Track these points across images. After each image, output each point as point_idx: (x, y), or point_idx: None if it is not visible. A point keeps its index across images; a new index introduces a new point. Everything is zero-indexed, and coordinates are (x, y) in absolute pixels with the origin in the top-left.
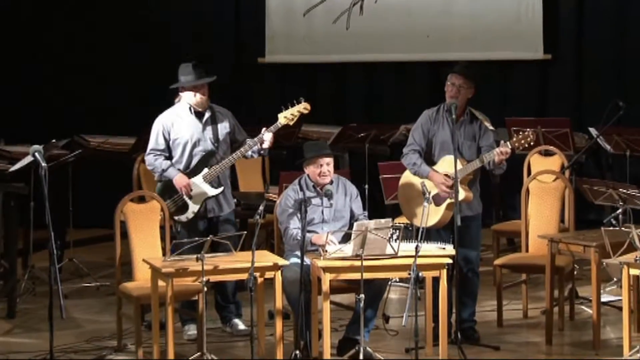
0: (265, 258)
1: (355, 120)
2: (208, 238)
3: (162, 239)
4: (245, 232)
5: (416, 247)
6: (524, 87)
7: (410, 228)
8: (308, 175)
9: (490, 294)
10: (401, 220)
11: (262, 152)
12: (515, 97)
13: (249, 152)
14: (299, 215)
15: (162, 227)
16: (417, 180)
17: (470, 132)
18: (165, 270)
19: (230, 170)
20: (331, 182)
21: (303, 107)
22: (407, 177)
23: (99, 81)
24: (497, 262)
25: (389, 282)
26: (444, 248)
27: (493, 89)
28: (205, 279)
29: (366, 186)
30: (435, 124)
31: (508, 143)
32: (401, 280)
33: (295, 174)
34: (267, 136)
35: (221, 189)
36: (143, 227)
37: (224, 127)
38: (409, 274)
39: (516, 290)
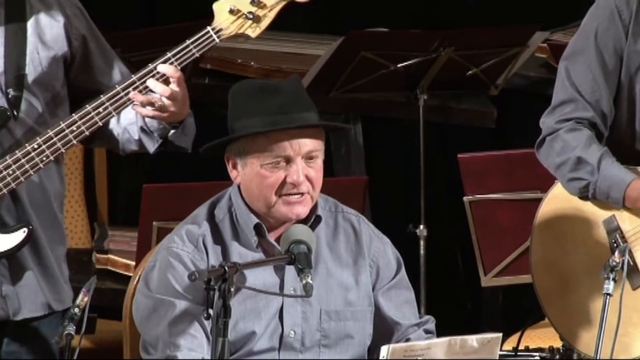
0: None
1: (389, 22)
2: None
3: None
4: None
5: None
6: None
7: None
8: (240, 192)
9: None
10: (536, 341)
11: (152, 128)
12: None
13: (122, 126)
14: (205, 321)
15: None
16: (592, 212)
17: None
18: None
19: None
20: (316, 220)
21: None
22: (558, 201)
23: None
24: None
25: None
26: None
27: None
28: None
29: (420, 228)
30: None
31: None
32: None
33: (189, 188)
34: (152, 84)
35: (22, 234)
36: None
37: (46, 44)
38: None
39: None
